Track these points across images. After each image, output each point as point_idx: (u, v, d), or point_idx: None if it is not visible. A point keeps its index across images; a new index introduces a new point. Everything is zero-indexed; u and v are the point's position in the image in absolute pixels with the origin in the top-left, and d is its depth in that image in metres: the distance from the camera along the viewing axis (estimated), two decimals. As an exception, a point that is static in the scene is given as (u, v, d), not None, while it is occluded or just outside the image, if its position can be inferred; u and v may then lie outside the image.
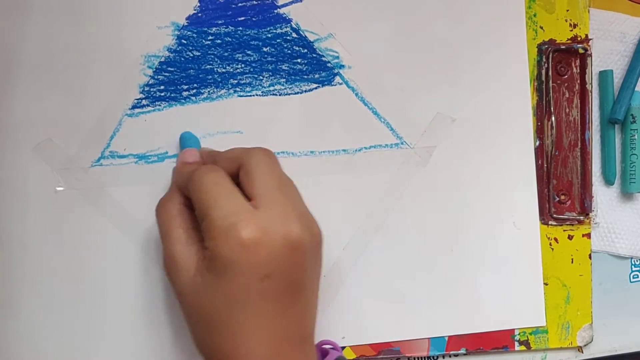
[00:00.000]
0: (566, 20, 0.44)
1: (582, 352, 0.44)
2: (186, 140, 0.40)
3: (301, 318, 0.35)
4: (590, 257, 0.44)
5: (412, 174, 0.42)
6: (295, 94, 0.41)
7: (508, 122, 0.43)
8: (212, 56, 0.41)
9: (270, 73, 0.41)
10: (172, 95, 0.40)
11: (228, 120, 0.41)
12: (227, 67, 0.41)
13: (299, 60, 0.41)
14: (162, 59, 0.40)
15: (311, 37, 0.41)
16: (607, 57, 0.45)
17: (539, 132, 0.44)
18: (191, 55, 0.40)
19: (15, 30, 0.39)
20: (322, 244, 0.35)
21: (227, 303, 0.32)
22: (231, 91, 0.41)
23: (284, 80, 0.41)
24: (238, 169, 0.34)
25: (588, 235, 0.44)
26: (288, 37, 0.41)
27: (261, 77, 0.41)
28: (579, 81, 0.45)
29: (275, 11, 0.41)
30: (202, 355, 0.34)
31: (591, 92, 0.44)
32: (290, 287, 0.33)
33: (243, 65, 0.41)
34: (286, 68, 0.41)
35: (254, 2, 0.41)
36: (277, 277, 0.32)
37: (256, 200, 0.33)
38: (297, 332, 0.34)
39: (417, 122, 0.42)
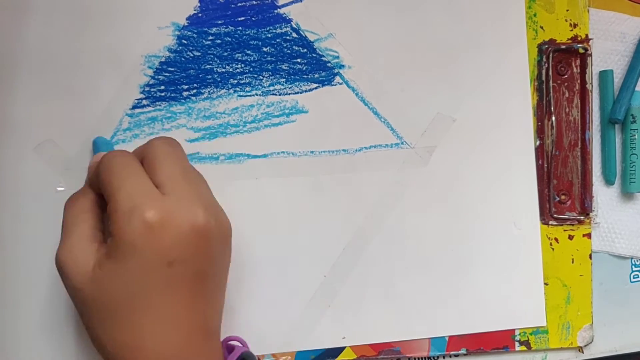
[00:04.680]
0: (566, 20, 0.44)
1: (583, 353, 0.44)
2: (100, 145, 0.39)
3: (206, 311, 0.33)
4: (590, 257, 0.44)
5: (412, 174, 0.42)
6: (295, 93, 0.41)
7: (508, 122, 0.43)
8: (212, 56, 0.41)
9: (270, 73, 0.41)
10: (173, 95, 0.40)
11: (228, 120, 0.41)
12: (227, 67, 0.41)
13: (298, 60, 0.41)
14: (163, 59, 0.40)
15: (311, 37, 0.42)
16: (607, 57, 0.45)
17: (539, 132, 0.44)
18: (191, 55, 0.41)
19: (16, 30, 0.39)
20: (230, 235, 0.34)
21: (130, 292, 0.31)
22: (231, 91, 0.41)
23: (284, 80, 0.41)
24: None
25: (588, 235, 0.44)
26: (288, 37, 0.41)
27: (261, 77, 0.41)
28: (579, 81, 0.45)
29: (275, 11, 0.41)
30: (102, 354, 0.32)
31: (591, 92, 0.44)
32: (195, 276, 0.32)
33: (243, 65, 0.41)
34: (286, 68, 0.41)
35: (254, 2, 0.41)
36: (182, 264, 0.31)
37: (161, 188, 0.32)
38: (202, 326, 0.33)
39: (418, 122, 0.42)
